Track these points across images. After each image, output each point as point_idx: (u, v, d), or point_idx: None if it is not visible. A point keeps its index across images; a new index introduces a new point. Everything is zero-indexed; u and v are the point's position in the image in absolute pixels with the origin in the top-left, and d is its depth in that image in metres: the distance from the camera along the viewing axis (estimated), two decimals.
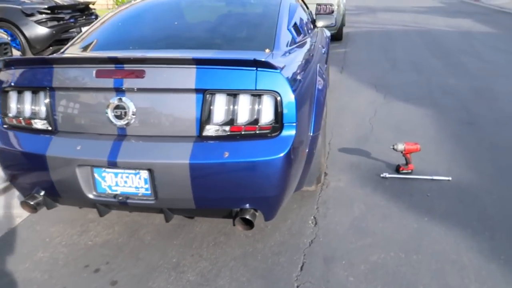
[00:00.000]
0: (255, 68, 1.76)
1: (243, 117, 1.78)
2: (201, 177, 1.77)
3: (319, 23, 3.79)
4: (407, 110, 4.30)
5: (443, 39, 8.79)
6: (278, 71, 1.76)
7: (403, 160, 2.91)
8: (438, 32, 9.81)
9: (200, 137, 1.80)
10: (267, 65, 1.74)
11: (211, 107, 1.78)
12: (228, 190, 1.81)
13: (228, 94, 1.78)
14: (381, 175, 2.87)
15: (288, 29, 2.41)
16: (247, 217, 1.86)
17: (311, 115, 2.21)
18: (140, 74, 1.78)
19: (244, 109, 1.78)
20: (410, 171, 2.89)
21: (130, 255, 2.18)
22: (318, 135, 2.31)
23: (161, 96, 1.82)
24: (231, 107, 1.78)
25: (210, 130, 1.79)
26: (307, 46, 2.59)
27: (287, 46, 2.30)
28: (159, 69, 1.79)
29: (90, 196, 1.93)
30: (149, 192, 1.86)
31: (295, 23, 2.59)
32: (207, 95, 1.77)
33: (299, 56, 2.25)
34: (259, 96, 1.78)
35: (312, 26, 3.64)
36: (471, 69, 5.99)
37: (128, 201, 1.90)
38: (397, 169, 2.92)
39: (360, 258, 2.07)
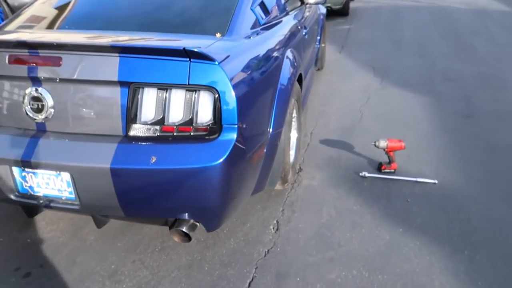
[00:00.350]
0: (188, 59, 1.47)
1: (175, 116, 1.52)
2: (126, 184, 1.52)
3: (309, 0, 3.44)
4: (402, 98, 3.96)
5: (456, 18, 8.24)
6: (216, 63, 1.47)
7: (387, 157, 2.63)
8: (451, 10, 9.21)
9: (127, 137, 1.54)
10: (202, 56, 1.45)
11: (138, 103, 1.51)
12: (159, 199, 1.56)
13: (159, 89, 1.50)
14: (360, 174, 2.59)
15: (252, 9, 2.09)
16: (183, 229, 1.62)
17: (271, 110, 1.93)
18: (56, 62, 1.52)
19: (176, 106, 1.51)
20: (392, 170, 2.61)
21: (67, 258, 1.97)
22: (281, 132, 2.03)
23: (81, 88, 1.55)
24: (162, 103, 1.51)
25: (138, 129, 1.53)
26: (277, 29, 2.27)
27: (249, 28, 1.99)
28: (78, 57, 1.51)
29: (12, 196, 1.71)
30: (73, 196, 1.63)
31: (264, 2, 2.26)
32: (133, 89, 1.50)
33: (260, 41, 1.95)
34: (196, 91, 1.50)
35: (299, 3, 3.29)
36: (480, 53, 5.55)
37: (52, 204, 1.67)
38: (379, 168, 2.64)
39: (317, 275, 1.83)
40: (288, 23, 2.53)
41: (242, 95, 1.57)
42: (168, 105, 1.51)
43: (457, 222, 2.15)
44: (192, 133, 1.52)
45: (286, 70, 2.11)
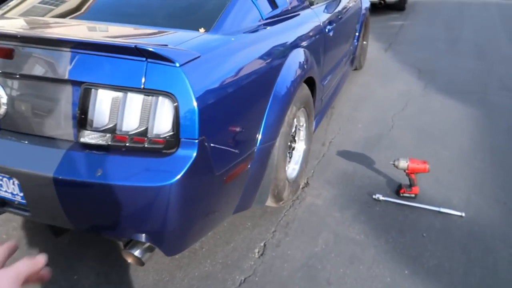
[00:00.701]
0: (144, 59, 1.26)
1: (129, 124, 1.31)
2: (70, 196, 1.35)
3: None
4: (446, 107, 3.49)
5: None
6: (176, 64, 1.24)
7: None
8: None
9: (77, 144, 1.36)
10: (159, 56, 1.23)
11: (89, 106, 1.32)
12: (107, 217, 1.38)
13: (112, 91, 1.30)
14: (374, 196, 2.25)
15: (253, 1, 1.82)
16: (135, 253, 1.43)
17: (260, 120, 1.67)
18: (8, 54, 1.36)
19: (131, 113, 1.30)
20: (413, 195, 2.24)
21: None
22: (273, 144, 1.77)
23: (35, 85, 1.39)
24: (115, 108, 1.31)
25: (88, 136, 1.35)
26: (284, 25, 1.98)
27: (245, 23, 1.73)
28: (30, 50, 1.35)
29: None
30: (24, 201, 1.49)
31: None
32: (84, 90, 1.31)
33: (254, 39, 1.68)
34: (153, 97, 1.28)
35: None
36: None
37: (6, 207, 1.55)
38: (398, 191, 2.28)
39: None
40: (304, 18, 2.23)
41: (211, 104, 1.33)
42: (122, 111, 1.30)
43: (479, 269, 1.77)
44: (146, 145, 1.31)
45: (288, 74, 1.82)
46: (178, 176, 1.27)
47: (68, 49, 1.31)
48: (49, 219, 1.50)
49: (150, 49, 1.20)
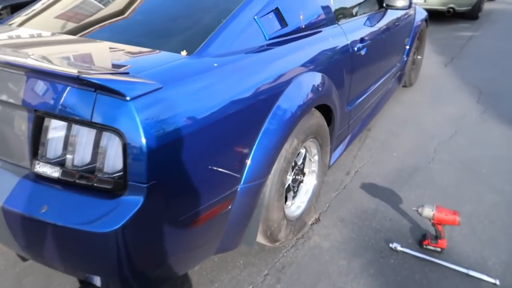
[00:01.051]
0: (94, 89, 1.12)
1: (79, 159, 1.18)
2: (18, 229, 1.26)
3: (389, 2, 2.80)
4: (504, 140, 3.01)
5: None
6: (127, 98, 1.08)
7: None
8: None
9: (31, 174, 1.27)
10: (107, 88, 1.08)
11: (41, 135, 1.22)
12: (56, 255, 1.26)
13: (64, 122, 1.18)
14: (391, 245, 1.95)
15: (255, 19, 1.61)
16: None
17: (245, 156, 1.46)
18: None
19: (81, 147, 1.17)
20: (438, 249, 1.90)
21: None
22: (262, 183, 1.55)
23: None
24: (66, 140, 1.19)
25: (40, 167, 1.24)
26: (294, 45, 1.74)
27: (241, 44, 1.53)
28: None
29: None
30: None
31: (281, 8, 1.75)
32: (36, 118, 1.21)
33: (245, 63, 1.47)
34: (103, 132, 1.14)
35: (367, 9, 2.66)
36: None
37: None
38: (421, 242, 1.95)
39: None
40: (323, 36, 1.97)
41: (170, 144, 1.16)
42: (74, 144, 1.18)
43: None
44: (95, 184, 1.17)
45: (287, 103, 1.59)
46: (121, 224, 1.11)
47: (23, 73, 1.21)
48: (10, 246, 1.43)
49: (95, 81, 1.06)
